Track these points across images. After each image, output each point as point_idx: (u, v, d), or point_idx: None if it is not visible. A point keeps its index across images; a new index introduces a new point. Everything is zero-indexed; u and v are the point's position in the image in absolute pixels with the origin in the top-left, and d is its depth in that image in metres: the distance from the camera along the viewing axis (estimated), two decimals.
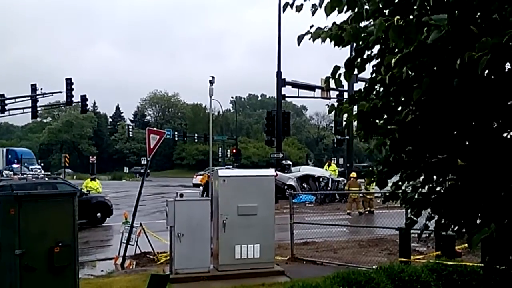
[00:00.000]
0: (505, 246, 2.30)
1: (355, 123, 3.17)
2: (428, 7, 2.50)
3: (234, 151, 51.36)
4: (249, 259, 8.36)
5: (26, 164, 47.95)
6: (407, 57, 2.22)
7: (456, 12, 2.16)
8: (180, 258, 8.11)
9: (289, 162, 28.67)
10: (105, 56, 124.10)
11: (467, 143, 2.55)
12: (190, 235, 8.13)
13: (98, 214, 16.69)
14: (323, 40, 2.65)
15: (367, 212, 18.09)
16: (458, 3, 2.22)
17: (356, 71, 2.97)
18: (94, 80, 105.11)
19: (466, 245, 7.56)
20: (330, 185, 23.95)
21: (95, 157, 60.80)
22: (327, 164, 30.47)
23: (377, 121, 2.80)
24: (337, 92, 28.98)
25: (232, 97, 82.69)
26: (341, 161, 36.38)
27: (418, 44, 2.16)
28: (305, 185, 23.97)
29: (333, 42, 2.76)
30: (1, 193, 6.31)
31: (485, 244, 6.36)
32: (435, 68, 2.28)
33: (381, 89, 2.91)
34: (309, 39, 2.87)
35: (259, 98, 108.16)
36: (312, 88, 28.50)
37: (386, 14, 2.79)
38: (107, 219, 17.04)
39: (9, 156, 50.70)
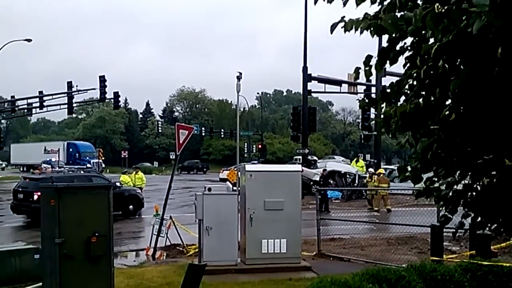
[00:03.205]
0: None
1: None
2: None
3: (259, 146, 51.46)
4: (275, 253, 8.41)
5: (87, 158, 48.90)
6: (446, 46, 2.16)
7: None
8: (208, 251, 8.25)
9: (315, 158, 28.48)
10: (141, 56, 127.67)
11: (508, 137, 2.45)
12: (218, 229, 8.26)
13: (130, 207, 17.15)
14: (361, 31, 2.63)
15: (378, 210, 17.92)
16: None
17: (388, 64, 2.95)
18: (128, 78, 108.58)
19: (503, 244, 7.39)
20: (357, 181, 23.67)
21: (126, 151, 62.18)
22: (355, 160, 30.10)
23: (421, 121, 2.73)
24: (364, 87, 28.57)
25: (257, 93, 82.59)
26: (368, 157, 35.87)
27: (456, 32, 2.10)
28: (331, 181, 23.78)
29: (368, 34, 2.74)
30: (43, 185, 6.60)
31: None
32: (474, 57, 2.21)
33: (415, 82, 2.86)
34: (342, 27, 2.83)
35: (285, 93, 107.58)
36: (338, 83, 28.15)
37: (420, 4, 2.76)
38: (139, 211, 17.50)
39: (70, 149, 51.77)
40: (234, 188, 11.02)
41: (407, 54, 2.93)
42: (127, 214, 16.80)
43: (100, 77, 34.53)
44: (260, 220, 8.40)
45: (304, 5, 26.05)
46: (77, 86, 35.99)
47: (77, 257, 5.23)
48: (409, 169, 2.96)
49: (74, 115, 68.77)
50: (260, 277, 7.85)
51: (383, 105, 3.22)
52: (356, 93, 28.39)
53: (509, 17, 2.03)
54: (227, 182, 17.21)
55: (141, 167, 30.90)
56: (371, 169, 21.43)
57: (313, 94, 30.88)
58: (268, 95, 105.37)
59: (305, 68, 26.20)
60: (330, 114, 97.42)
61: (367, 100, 3.50)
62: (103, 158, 50.74)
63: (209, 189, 8.61)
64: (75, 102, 38.91)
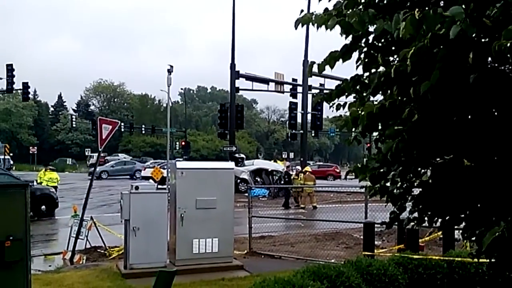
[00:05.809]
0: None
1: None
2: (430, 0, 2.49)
3: (183, 143, 50.50)
4: (207, 253, 8.21)
5: None
6: (422, 50, 2.18)
7: (471, 4, 2.14)
8: (135, 253, 7.84)
9: (242, 155, 28.65)
10: (61, 49, 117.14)
11: (470, 139, 2.55)
12: (146, 229, 7.88)
13: (43, 207, 15.87)
14: (330, 28, 2.58)
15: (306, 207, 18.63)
16: None
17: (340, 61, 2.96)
18: (44, 71, 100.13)
19: (426, 238, 7.94)
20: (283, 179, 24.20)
21: (35, 147, 57.24)
22: (273, 160, 30.96)
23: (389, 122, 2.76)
24: (290, 86, 29.40)
25: (181, 89, 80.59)
26: (291, 155, 36.97)
27: (431, 37, 2.13)
28: (258, 179, 24.04)
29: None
30: None
31: (447, 238, 6.61)
32: (446, 61, 2.25)
33: (375, 80, 2.86)
34: (302, 25, 2.80)
35: (209, 90, 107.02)
36: (266, 81, 28.66)
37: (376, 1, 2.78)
38: (53, 212, 16.26)
39: None
40: (160, 186, 10.59)
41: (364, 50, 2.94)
42: (39, 215, 15.44)
43: (7, 65, 31.19)
44: (191, 220, 8.13)
45: (232, 3, 26.21)
46: None
47: None
48: (369, 168, 2.95)
49: None
50: (191, 278, 7.58)
51: (335, 101, 3.22)
52: (283, 92, 29.13)
53: (481, 25, 2.08)
54: (151, 180, 16.46)
55: (53, 165, 28.45)
56: (298, 167, 22.09)
57: (238, 92, 31.04)
58: (191, 91, 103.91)
59: (233, 65, 26.25)
60: (254, 112, 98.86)
61: (322, 95, 3.49)
62: (11, 154, 46.18)
63: (137, 188, 8.18)
64: None
